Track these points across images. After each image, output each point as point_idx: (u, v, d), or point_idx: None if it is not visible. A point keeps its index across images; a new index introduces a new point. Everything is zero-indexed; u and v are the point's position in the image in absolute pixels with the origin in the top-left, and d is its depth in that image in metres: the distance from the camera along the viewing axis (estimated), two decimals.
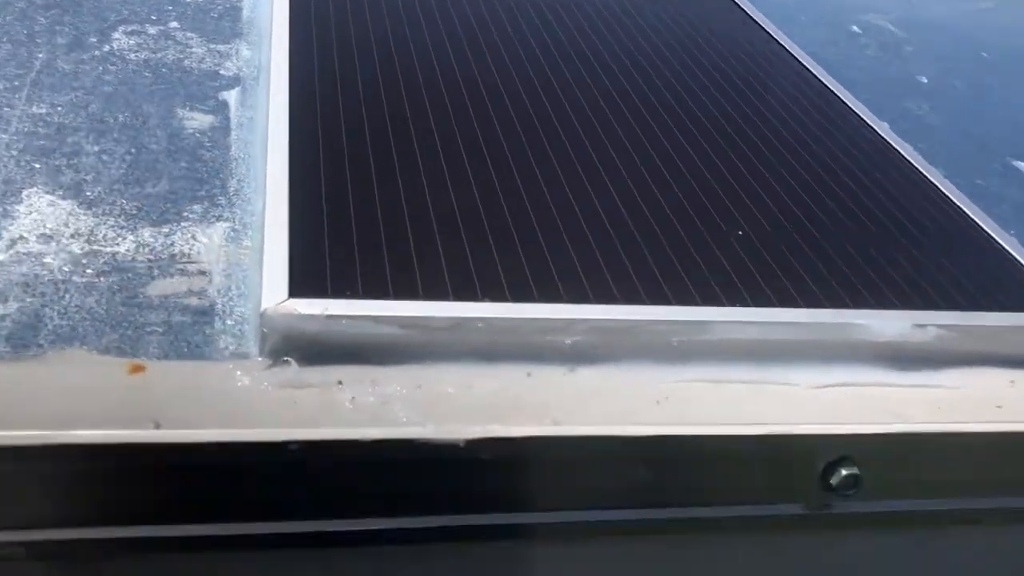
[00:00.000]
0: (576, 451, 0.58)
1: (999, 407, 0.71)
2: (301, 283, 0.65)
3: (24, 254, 0.70)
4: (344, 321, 0.63)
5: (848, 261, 0.79)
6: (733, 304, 0.71)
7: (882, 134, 1.03)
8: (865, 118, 1.07)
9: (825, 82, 1.14)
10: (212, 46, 1.06)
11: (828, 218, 0.85)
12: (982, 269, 0.82)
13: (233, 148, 0.88)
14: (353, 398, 0.61)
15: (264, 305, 0.62)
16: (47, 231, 0.73)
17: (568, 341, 0.67)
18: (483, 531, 0.59)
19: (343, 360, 0.63)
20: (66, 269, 0.69)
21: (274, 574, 0.59)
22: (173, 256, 0.73)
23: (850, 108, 1.08)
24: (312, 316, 0.63)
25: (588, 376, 0.67)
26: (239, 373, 0.61)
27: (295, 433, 0.54)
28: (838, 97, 1.11)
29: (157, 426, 0.54)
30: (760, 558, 0.66)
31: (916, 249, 0.82)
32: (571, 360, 0.67)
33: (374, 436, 0.54)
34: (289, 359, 0.62)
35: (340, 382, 0.62)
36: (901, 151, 1.00)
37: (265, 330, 0.62)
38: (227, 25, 1.11)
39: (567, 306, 0.68)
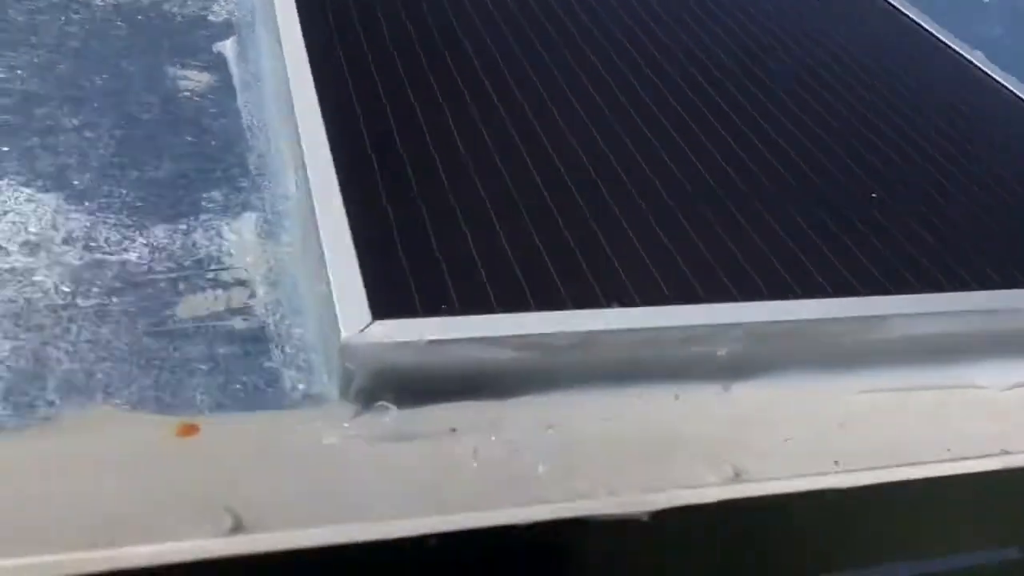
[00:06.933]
0: (782, 511, 0.45)
1: None
2: (384, 301, 0.50)
3: (6, 271, 0.53)
4: (448, 347, 0.48)
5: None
6: (901, 292, 0.58)
7: None
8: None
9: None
10: None
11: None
12: None
13: (244, 113, 0.71)
14: (476, 450, 0.47)
15: (345, 333, 0.47)
16: (31, 237, 0.56)
17: (721, 352, 0.53)
18: None
19: (451, 398, 0.49)
20: (65, 289, 0.53)
21: None
22: (199, 262, 0.57)
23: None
24: (407, 343, 0.48)
25: (748, 395, 0.53)
26: (320, 426, 0.46)
27: (431, 524, 0.40)
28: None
29: (236, 525, 0.39)
30: None
31: None
32: (725, 375, 0.54)
33: (537, 517, 0.40)
34: (386, 403, 0.47)
35: (454, 429, 0.48)
36: None
37: (349, 366, 0.47)
38: None
39: (713, 307, 0.54)
